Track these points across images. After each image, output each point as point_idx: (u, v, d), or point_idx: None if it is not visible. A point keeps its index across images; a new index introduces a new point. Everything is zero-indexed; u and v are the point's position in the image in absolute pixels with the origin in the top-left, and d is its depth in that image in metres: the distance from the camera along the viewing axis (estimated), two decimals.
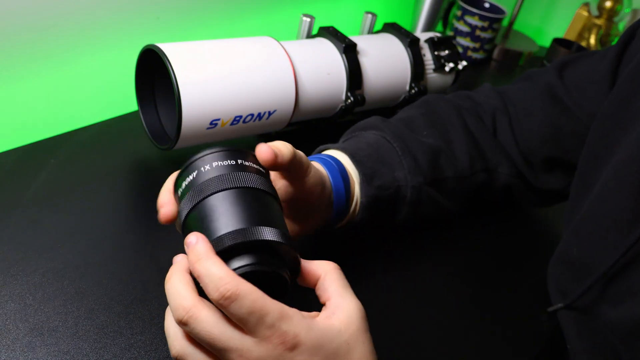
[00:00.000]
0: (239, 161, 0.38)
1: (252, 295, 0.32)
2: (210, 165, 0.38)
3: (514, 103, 0.64)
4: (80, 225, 0.54)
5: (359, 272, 0.57)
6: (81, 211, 0.56)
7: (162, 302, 0.48)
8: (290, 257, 0.37)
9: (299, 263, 0.37)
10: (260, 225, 0.35)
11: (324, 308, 0.36)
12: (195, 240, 0.34)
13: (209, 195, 0.36)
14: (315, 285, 0.37)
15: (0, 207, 0.54)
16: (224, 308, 0.32)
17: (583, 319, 0.50)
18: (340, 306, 0.35)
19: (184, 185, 0.38)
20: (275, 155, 0.40)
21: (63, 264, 0.50)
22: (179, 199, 0.39)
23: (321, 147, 0.58)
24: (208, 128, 0.60)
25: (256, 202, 0.37)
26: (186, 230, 0.37)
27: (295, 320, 0.33)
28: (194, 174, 0.38)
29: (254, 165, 0.39)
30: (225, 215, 0.35)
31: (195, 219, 0.36)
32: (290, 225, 0.49)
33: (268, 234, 0.35)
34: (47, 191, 0.57)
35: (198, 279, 0.33)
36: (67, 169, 0.61)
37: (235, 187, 0.36)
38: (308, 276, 0.37)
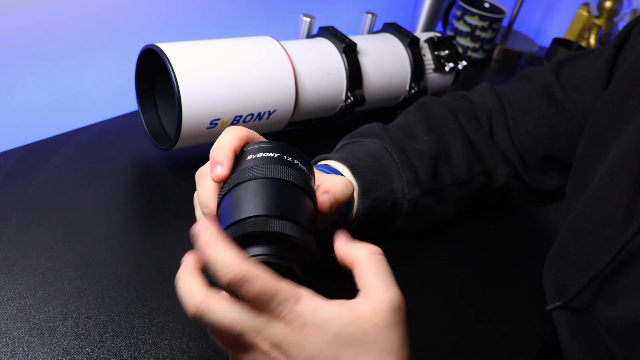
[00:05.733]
0: (283, 155, 0.40)
1: (260, 278, 0.32)
2: (256, 155, 0.40)
3: (510, 102, 0.64)
4: (80, 225, 0.54)
5: None
6: (81, 211, 0.56)
7: (162, 302, 0.48)
8: (307, 251, 0.37)
9: (318, 258, 0.38)
10: (281, 216, 0.36)
11: (357, 295, 0.35)
12: (203, 228, 0.34)
13: (243, 182, 0.38)
14: (352, 271, 0.36)
15: (0, 207, 0.54)
16: (234, 292, 0.33)
17: (577, 319, 0.50)
18: (369, 294, 0.34)
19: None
20: (331, 206, 0.42)
21: (63, 264, 0.50)
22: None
23: (321, 156, 0.58)
24: (208, 128, 0.60)
25: (284, 193, 0.38)
26: (217, 211, 0.39)
27: (303, 300, 0.33)
28: (243, 159, 0.40)
29: (296, 162, 0.41)
30: (252, 200, 0.37)
31: (227, 202, 0.38)
32: None
33: (284, 226, 0.36)
34: (47, 191, 0.57)
35: (208, 266, 0.34)
36: (67, 169, 0.61)
37: (267, 178, 0.38)
38: (344, 261, 0.37)
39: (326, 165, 0.55)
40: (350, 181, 0.45)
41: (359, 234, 0.55)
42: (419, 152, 0.58)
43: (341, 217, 0.52)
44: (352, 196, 0.45)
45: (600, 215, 0.47)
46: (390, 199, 0.55)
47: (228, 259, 0.32)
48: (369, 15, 0.82)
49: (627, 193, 0.44)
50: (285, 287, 0.33)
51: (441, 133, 0.61)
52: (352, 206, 0.54)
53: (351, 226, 0.55)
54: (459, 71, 0.86)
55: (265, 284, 0.32)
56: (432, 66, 0.82)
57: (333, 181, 0.44)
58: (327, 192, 0.43)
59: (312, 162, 0.58)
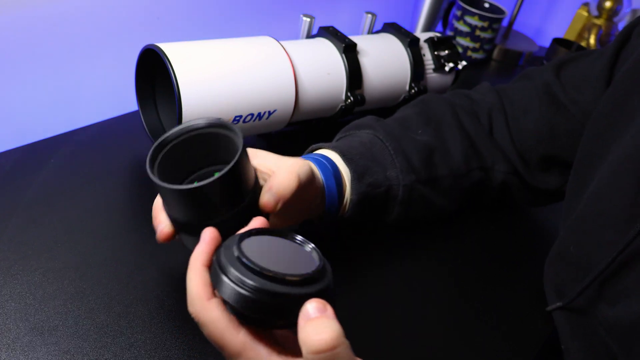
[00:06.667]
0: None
1: (210, 326, 0.33)
2: None
3: (511, 101, 0.64)
4: (80, 225, 0.54)
5: (354, 270, 0.57)
6: (81, 211, 0.56)
7: (162, 302, 0.48)
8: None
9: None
10: None
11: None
12: (202, 238, 0.36)
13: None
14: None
15: (0, 207, 0.54)
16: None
17: (577, 319, 0.50)
18: None
19: None
20: (276, 204, 0.42)
21: (63, 264, 0.50)
22: None
23: (313, 145, 0.58)
24: None
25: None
26: None
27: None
28: None
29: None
30: None
31: None
32: (278, 220, 0.48)
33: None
34: (47, 191, 0.57)
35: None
36: (67, 169, 0.61)
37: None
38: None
39: (321, 155, 0.55)
40: (295, 173, 0.43)
41: (353, 226, 0.55)
42: (413, 141, 0.58)
43: (332, 207, 0.52)
44: (297, 188, 0.43)
45: (601, 216, 0.47)
46: (385, 185, 0.55)
47: (191, 293, 0.34)
48: (369, 15, 0.82)
49: (629, 194, 0.44)
50: (232, 344, 0.33)
51: (439, 128, 0.61)
52: (344, 195, 0.53)
53: (344, 216, 0.55)
54: (458, 71, 0.86)
55: (211, 334, 0.33)
56: (432, 66, 0.82)
57: (277, 176, 0.43)
58: (269, 190, 0.42)
59: (305, 152, 0.58)
